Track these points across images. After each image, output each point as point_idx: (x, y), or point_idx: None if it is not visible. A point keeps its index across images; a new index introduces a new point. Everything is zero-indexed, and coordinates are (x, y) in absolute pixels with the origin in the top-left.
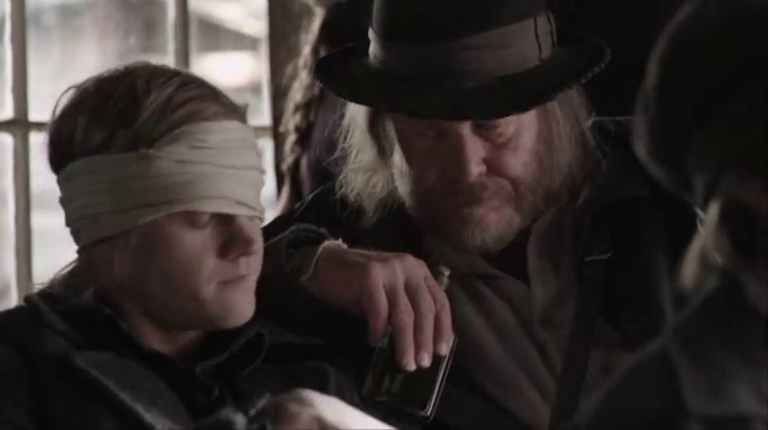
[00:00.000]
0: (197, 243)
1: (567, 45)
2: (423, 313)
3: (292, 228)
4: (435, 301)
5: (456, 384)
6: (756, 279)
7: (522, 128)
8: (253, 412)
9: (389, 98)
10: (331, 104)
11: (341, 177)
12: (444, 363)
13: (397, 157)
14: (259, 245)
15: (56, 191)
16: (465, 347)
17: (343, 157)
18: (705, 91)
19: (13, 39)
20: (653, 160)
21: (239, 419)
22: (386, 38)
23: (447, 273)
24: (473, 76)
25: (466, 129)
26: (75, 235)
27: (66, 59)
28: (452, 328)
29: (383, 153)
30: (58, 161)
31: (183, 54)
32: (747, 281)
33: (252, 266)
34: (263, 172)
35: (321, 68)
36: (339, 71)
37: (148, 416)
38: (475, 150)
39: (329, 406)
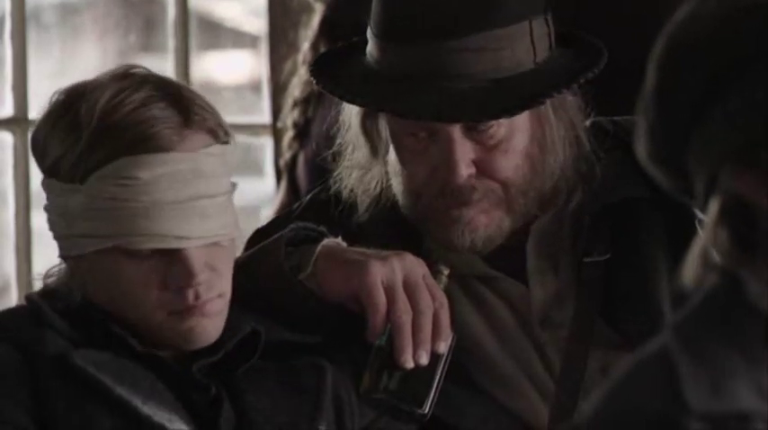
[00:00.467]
0: (138, 275)
1: (564, 47)
2: (421, 311)
3: (291, 226)
4: (434, 300)
5: (455, 383)
6: (756, 276)
7: (515, 130)
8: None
9: (381, 98)
10: (329, 101)
11: (335, 174)
12: (442, 362)
13: (392, 156)
14: (208, 272)
15: None
16: (464, 347)
17: (340, 154)
18: (703, 90)
19: (13, 37)
20: (653, 163)
21: None
22: (381, 38)
23: (446, 271)
24: (466, 77)
25: (457, 130)
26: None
27: (66, 57)
28: (451, 327)
29: (376, 151)
30: (38, 167)
31: (183, 52)
32: (747, 278)
33: (203, 295)
34: (221, 195)
35: (318, 65)
36: (335, 68)
37: (145, 409)
38: (465, 152)
39: None
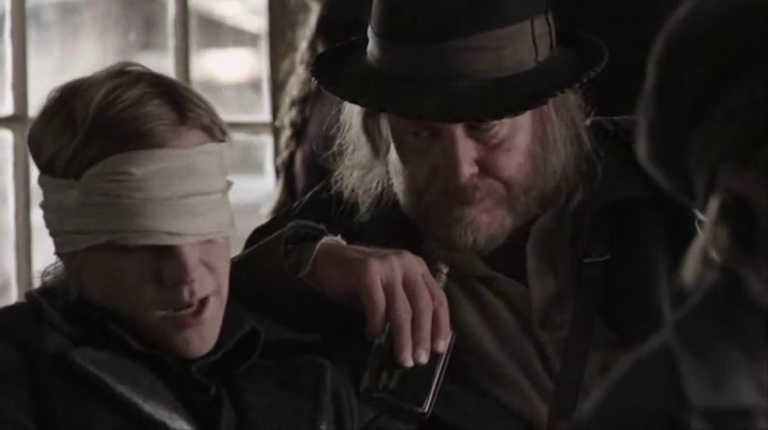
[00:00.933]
0: (132, 272)
1: (565, 46)
2: (420, 310)
3: (291, 224)
4: (433, 298)
5: (455, 383)
6: (756, 273)
7: (517, 129)
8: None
9: (382, 98)
10: (327, 100)
11: (336, 173)
12: (442, 361)
13: (393, 155)
14: (202, 269)
15: None
16: (464, 347)
17: (340, 153)
18: (702, 89)
19: (13, 35)
20: (654, 163)
21: None
22: (382, 37)
23: (445, 270)
24: (468, 77)
25: (459, 129)
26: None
27: (66, 56)
28: (450, 326)
29: (377, 151)
30: (35, 164)
31: (183, 51)
32: (747, 276)
33: (198, 292)
34: (215, 193)
35: (318, 65)
36: (336, 68)
37: (147, 406)
38: (467, 151)
39: None
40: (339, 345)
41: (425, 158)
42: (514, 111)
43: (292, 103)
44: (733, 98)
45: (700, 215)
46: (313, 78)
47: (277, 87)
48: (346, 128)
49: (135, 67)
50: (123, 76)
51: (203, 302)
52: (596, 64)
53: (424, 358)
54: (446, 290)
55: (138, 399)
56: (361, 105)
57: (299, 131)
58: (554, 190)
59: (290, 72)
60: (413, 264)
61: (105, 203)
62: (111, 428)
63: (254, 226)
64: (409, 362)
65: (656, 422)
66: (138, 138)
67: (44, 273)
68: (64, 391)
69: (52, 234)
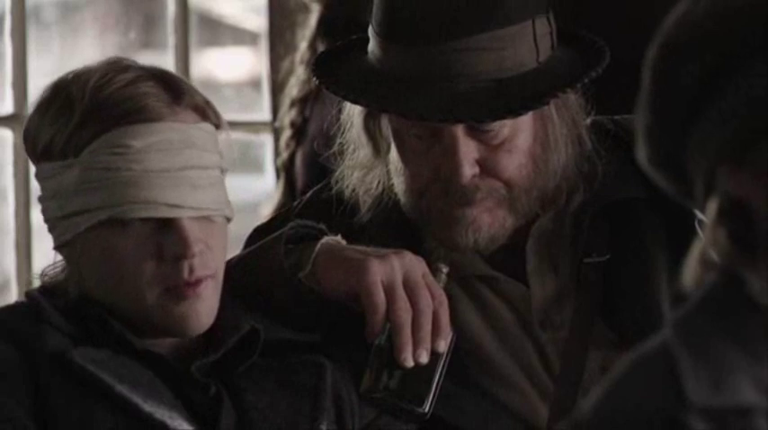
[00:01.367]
0: (132, 248)
1: (566, 46)
2: (421, 310)
3: (291, 224)
4: (433, 298)
5: (455, 383)
6: (756, 274)
7: (518, 130)
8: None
9: (383, 98)
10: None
11: (337, 173)
12: (442, 361)
13: (394, 155)
14: (202, 246)
15: None
16: (465, 347)
17: (340, 153)
18: (696, 89)
19: (13, 34)
20: (653, 166)
21: None
22: (383, 38)
23: (445, 270)
24: (469, 77)
25: (460, 130)
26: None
27: (66, 55)
28: (450, 326)
29: (378, 151)
30: (32, 160)
31: (183, 49)
32: (748, 276)
33: (198, 270)
34: (213, 169)
35: (319, 65)
36: (337, 68)
37: (147, 406)
38: (468, 152)
39: None
40: (339, 345)
41: (426, 159)
42: (516, 111)
43: (292, 103)
44: (727, 98)
45: (700, 215)
46: (314, 78)
47: (277, 87)
48: (347, 127)
49: (126, 60)
50: (115, 64)
51: (200, 281)
52: (597, 64)
53: (424, 358)
54: (446, 290)
55: (137, 399)
56: (364, 106)
57: (299, 131)
58: (555, 190)
59: (290, 72)
60: (413, 264)
61: (105, 178)
62: (111, 428)
63: (253, 225)
64: (409, 363)
65: (656, 421)
66: (136, 113)
67: (43, 274)
68: (64, 390)
69: (51, 225)
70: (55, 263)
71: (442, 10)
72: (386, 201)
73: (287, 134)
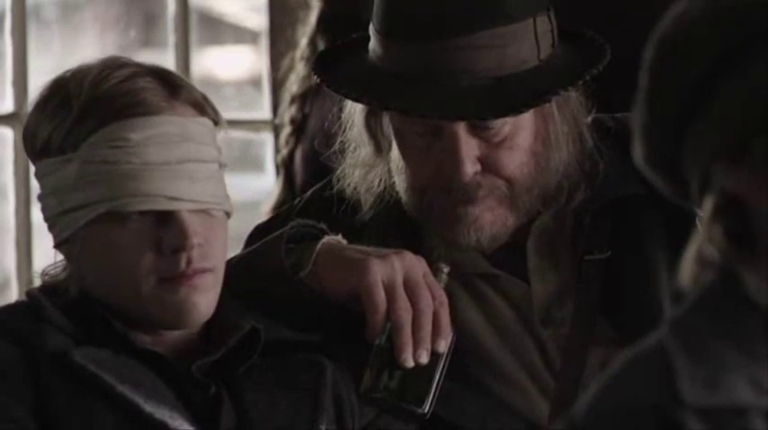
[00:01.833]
0: (131, 241)
1: (567, 44)
2: (421, 310)
3: (292, 223)
4: (434, 298)
5: (456, 382)
6: (754, 272)
7: (519, 127)
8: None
9: (384, 96)
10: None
11: (338, 172)
12: (442, 361)
13: (395, 153)
14: (200, 239)
15: None
16: (466, 345)
17: (341, 151)
18: (692, 88)
19: (13, 32)
20: (650, 165)
21: None
22: (384, 35)
23: (446, 270)
24: (470, 75)
25: (462, 128)
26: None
27: (67, 53)
28: (451, 326)
29: (380, 149)
30: (31, 159)
31: (184, 48)
32: (745, 274)
33: (196, 263)
34: (211, 162)
35: (320, 62)
36: (337, 65)
37: (148, 406)
38: (470, 149)
39: None
40: (339, 345)
41: (428, 157)
42: (517, 109)
43: (292, 100)
44: (722, 97)
45: (699, 212)
46: (315, 76)
47: (277, 85)
48: (348, 126)
49: (123, 58)
50: (113, 61)
51: (197, 272)
52: (598, 62)
53: (424, 358)
54: (447, 289)
55: (138, 399)
56: (365, 104)
57: (298, 128)
58: (556, 188)
59: (291, 69)
60: (413, 264)
61: (104, 171)
62: (112, 427)
63: (254, 223)
64: (410, 363)
65: (651, 419)
66: (134, 107)
67: (44, 273)
68: (64, 390)
69: (51, 223)
70: (55, 262)
71: (443, 7)
72: (387, 199)
73: (287, 131)
